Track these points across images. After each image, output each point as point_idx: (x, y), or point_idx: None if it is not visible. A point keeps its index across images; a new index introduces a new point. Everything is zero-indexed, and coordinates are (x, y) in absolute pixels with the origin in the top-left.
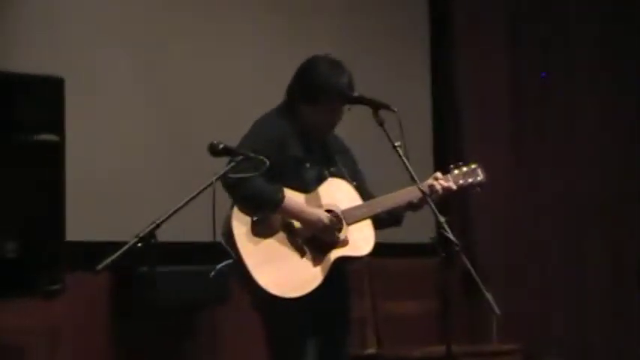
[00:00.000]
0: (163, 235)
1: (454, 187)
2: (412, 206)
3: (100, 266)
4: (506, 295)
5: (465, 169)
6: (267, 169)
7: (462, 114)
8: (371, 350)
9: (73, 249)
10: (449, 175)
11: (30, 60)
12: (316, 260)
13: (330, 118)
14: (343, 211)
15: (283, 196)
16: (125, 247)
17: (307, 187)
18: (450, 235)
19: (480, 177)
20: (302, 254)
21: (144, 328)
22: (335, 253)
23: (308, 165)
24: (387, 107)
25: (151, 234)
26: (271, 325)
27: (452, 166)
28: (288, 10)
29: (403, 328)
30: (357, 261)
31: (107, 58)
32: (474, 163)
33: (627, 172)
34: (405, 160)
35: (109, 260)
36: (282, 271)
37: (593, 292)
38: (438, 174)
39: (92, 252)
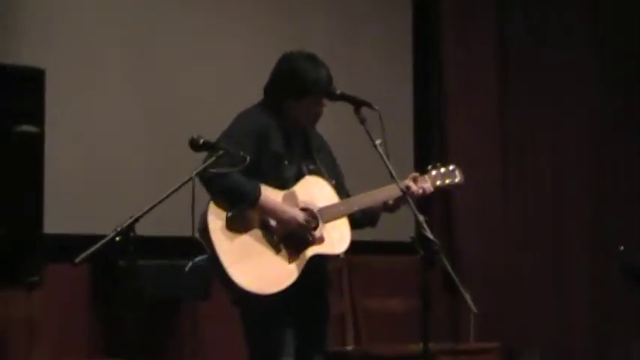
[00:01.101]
0: (143, 229)
1: (431, 188)
2: (387, 207)
3: (78, 259)
4: (485, 293)
5: (442, 170)
6: (246, 164)
7: (446, 112)
8: (349, 347)
9: (52, 241)
10: (426, 176)
11: (16, 52)
12: (292, 257)
13: (314, 111)
14: (320, 209)
15: (259, 193)
16: (104, 240)
17: (285, 184)
18: (429, 234)
19: (458, 178)
20: (277, 251)
21: (123, 320)
22: (310, 251)
23: (287, 162)
24: (368, 105)
25: (130, 227)
26: (248, 320)
27: (430, 166)
28: (277, 7)
29: (384, 326)
30: (334, 259)
31: (92, 53)
32: (452, 164)
33: (615, 175)
34: (386, 159)
35: (87, 253)
36: (257, 267)
37: (574, 290)
38: (416, 174)
39: (71, 245)
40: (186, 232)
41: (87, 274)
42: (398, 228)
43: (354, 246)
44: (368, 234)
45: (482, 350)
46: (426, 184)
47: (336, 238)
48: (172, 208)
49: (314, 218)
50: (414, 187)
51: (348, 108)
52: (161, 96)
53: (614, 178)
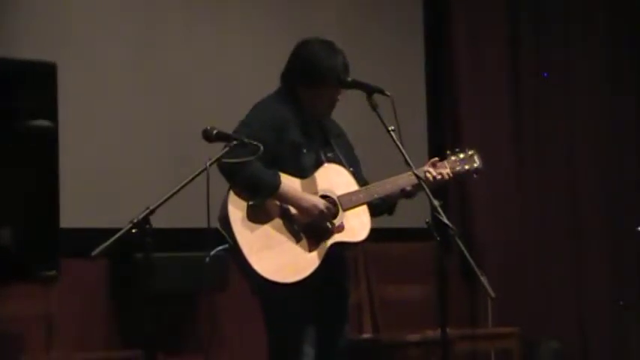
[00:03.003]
0: (159, 222)
1: (450, 174)
2: (405, 194)
3: (95, 252)
4: (502, 279)
5: (461, 155)
6: (265, 154)
7: (459, 98)
8: (367, 335)
9: (68, 235)
10: (445, 162)
11: (27, 47)
12: (312, 246)
13: (330, 98)
14: (340, 197)
15: (280, 181)
16: (119, 233)
17: (304, 172)
18: (445, 219)
19: (477, 163)
20: (298, 240)
21: (140, 314)
22: (331, 239)
23: (305, 150)
24: (380, 91)
25: (145, 220)
26: (269, 310)
27: (449, 152)
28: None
29: (401, 313)
30: (354, 247)
31: (103, 46)
32: (470, 149)
33: (628, 170)
34: (399, 145)
35: (103, 246)
36: (278, 256)
37: (591, 277)
38: (435, 159)
39: (87, 238)
40: (201, 224)
41: (104, 267)
42: (413, 214)
43: (370, 233)
44: (384, 221)
45: (501, 335)
46: (445, 169)
47: (356, 225)
48: (187, 200)
49: (334, 206)
50: (433, 172)
51: (362, 95)
52: (175, 88)
53: (630, 165)
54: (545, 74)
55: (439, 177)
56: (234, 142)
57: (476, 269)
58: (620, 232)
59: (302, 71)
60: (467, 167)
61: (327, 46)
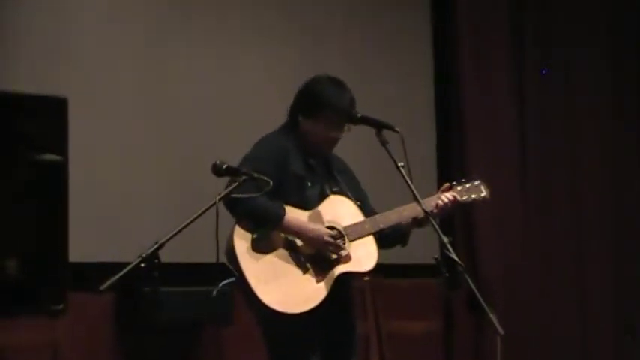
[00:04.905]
0: (167, 256)
1: (458, 197)
2: (417, 223)
3: (103, 286)
4: (510, 314)
5: (467, 185)
6: (270, 189)
7: (467, 130)
8: None
9: (76, 269)
10: (452, 192)
11: (32, 81)
12: (319, 276)
13: (331, 133)
14: (345, 228)
15: (284, 213)
16: (128, 267)
17: (308, 204)
18: (454, 256)
19: (484, 193)
20: (304, 270)
21: (147, 347)
22: (338, 269)
23: (309, 184)
24: (390, 128)
25: (154, 254)
26: (274, 341)
27: (455, 182)
28: (295, 28)
29: (408, 348)
30: (361, 277)
31: (109, 78)
32: (476, 179)
33: (634, 194)
34: (409, 181)
35: (112, 280)
36: (284, 287)
37: (599, 310)
38: (446, 185)
39: (95, 272)
40: (209, 258)
41: (111, 301)
42: (421, 250)
43: (378, 268)
44: (392, 256)
45: None
46: (454, 194)
47: (362, 255)
48: (195, 235)
49: (340, 237)
50: (445, 199)
51: (370, 130)
52: (181, 123)
53: (636, 189)
54: (544, 70)
55: (452, 201)
56: (244, 178)
57: (485, 306)
58: (628, 258)
59: (303, 101)
60: (473, 196)
61: (334, 81)
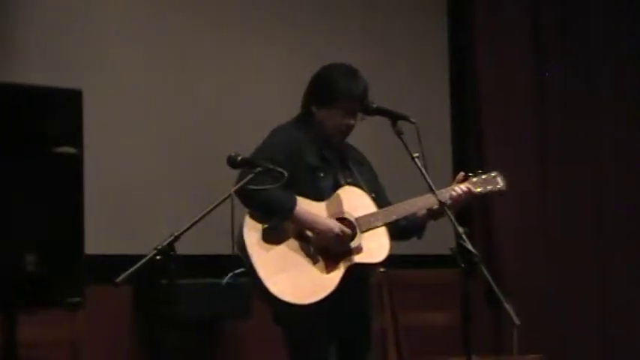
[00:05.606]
0: (183, 248)
1: (474, 192)
2: (432, 214)
3: (119, 279)
4: (527, 305)
5: (484, 176)
6: (285, 180)
7: (483, 122)
8: None
9: (94, 262)
10: (467, 183)
11: (45, 73)
12: (329, 267)
13: (345, 121)
14: (358, 219)
15: (295, 204)
16: (143, 260)
17: (322, 195)
18: (469, 246)
19: (500, 185)
20: (315, 262)
21: (166, 340)
22: (348, 261)
23: (322, 174)
24: (405, 118)
25: (170, 246)
26: (290, 338)
27: (471, 174)
28: (311, 26)
29: (425, 340)
30: (374, 269)
31: (124, 71)
32: (493, 171)
33: None
34: (424, 172)
35: (128, 272)
36: (294, 278)
37: (618, 303)
38: (461, 174)
39: (112, 265)
40: (226, 250)
41: (129, 294)
42: (438, 241)
43: (394, 260)
44: (408, 247)
45: None
46: (470, 185)
47: (374, 247)
48: (210, 227)
49: (351, 228)
50: (459, 190)
51: (386, 121)
52: (200, 113)
53: None
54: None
55: (467, 193)
56: (259, 169)
57: (501, 296)
58: None
59: (317, 90)
60: (489, 188)
61: (348, 69)
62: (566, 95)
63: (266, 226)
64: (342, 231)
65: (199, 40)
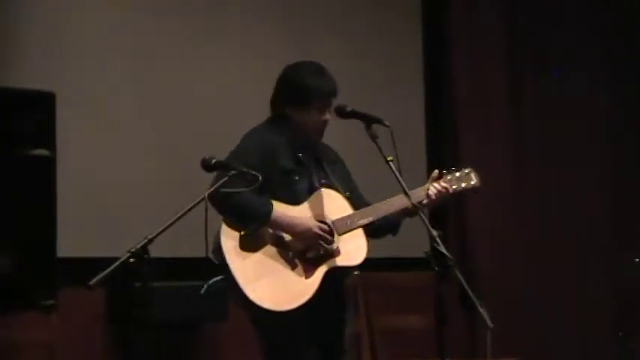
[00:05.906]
0: (157, 251)
1: (450, 189)
2: (408, 212)
3: (93, 281)
4: (501, 308)
5: (457, 174)
6: (259, 183)
7: (459, 127)
8: None
9: (67, 265)
10: (441, 181)
11: (22, 75)
12: (308, 272)
13: (322, 118)
14: (334, 222)
15: (271, 209)
16: (117, 263)
17: (297, 199)
18: (443, 250)
19: (474, 181)
20: (293, 267)
21: (140, 343)
22: (327, 264)
23: (297, 177)
24: (379, 122)
25: (144, 249)
26: (267, 340)
27: (445, 171)
28: (284, 28)
29: (400, 343)
30: (352, 272)
31: (98, 73)
32: (467, 167)
33: (633, 198)
34: (398, 175)
35: (102, 275)
36: (273, 284)
37: (592, 305)
38: (436, 172)
39: (86, 268)
40: (200, 253)
41: (103, 297)
42: (412, 243)
43: (369, 262)
44: (383, 250)
45: None
46: (446, 183)
47: (352, 249)
48: (185, 230)
49: (329, 230)
50: (435, 188)
51: (359, 124)
52: (172, 117)
53: (634, 189)
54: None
55: (443, 190)
56: (233, 172)
57: (474, 300)
58: (622, 259)
59: (289, 92)
60: (464, 185)
61: (315, 67)
62: (542, 99)
63: (242, 233)
64: (321, 229)
65: (172, 41)
